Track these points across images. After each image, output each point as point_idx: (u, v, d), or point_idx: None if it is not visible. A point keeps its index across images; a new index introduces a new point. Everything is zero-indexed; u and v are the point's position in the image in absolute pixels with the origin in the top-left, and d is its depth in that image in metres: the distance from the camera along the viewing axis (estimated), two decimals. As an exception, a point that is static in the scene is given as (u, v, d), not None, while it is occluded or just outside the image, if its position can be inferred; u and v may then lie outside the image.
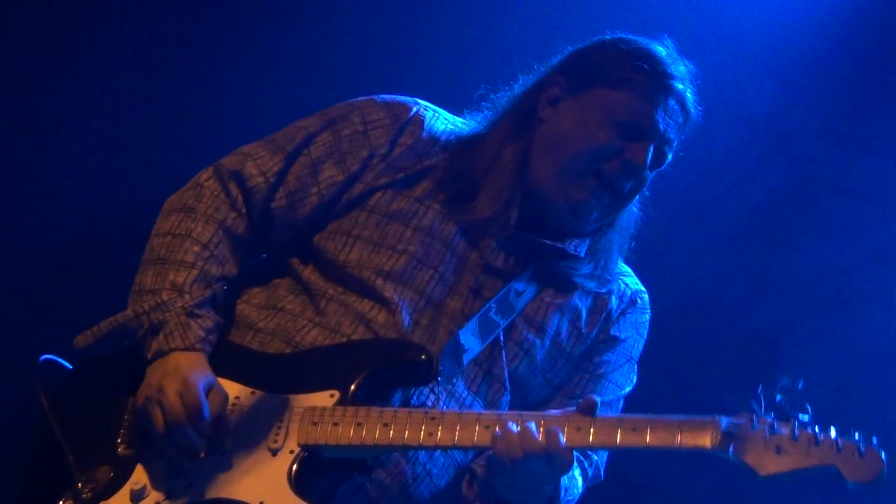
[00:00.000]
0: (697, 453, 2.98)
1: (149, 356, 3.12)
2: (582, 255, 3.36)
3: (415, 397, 3.18)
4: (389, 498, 3.18)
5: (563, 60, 3.41)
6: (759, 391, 2.99)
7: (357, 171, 3.29)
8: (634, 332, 3.53)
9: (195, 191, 3.30)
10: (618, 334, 3.48)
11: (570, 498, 3.30)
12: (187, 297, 3.14)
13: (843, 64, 5.17)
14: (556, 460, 2.96)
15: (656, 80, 3.27)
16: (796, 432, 2.94)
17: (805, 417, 2.97)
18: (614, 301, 3.46)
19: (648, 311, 3.56)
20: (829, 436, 2.93)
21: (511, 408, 3.36)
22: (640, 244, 3.59)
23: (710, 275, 5.34)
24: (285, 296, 3.31)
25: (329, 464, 3.08)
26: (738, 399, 3.02)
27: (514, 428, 2.96)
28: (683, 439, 2.94)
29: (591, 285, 3.41)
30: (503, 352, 3.32)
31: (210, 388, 3.07)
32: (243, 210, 3.28)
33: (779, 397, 2.98)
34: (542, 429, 2.96)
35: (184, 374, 3.04)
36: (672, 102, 3.28)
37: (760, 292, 5.33)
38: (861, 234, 5.24)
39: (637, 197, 3.41)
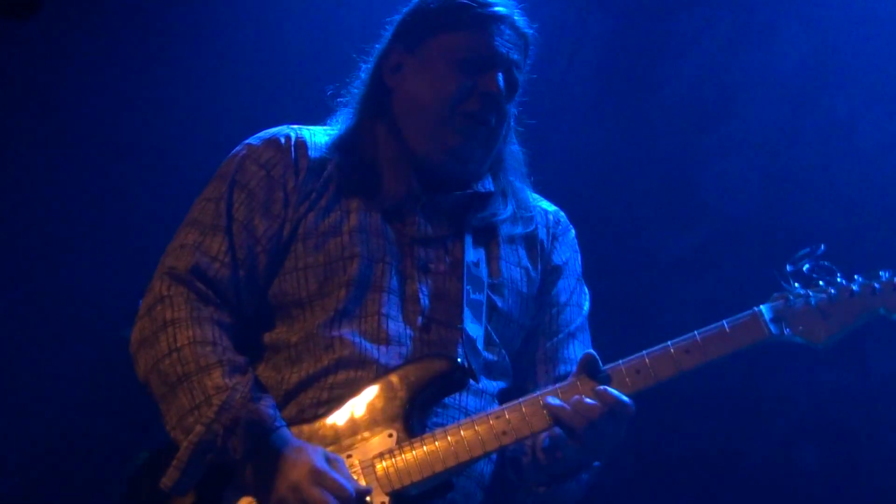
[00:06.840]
0: (755, 347, 3.15)
1: (238, 457, 3.09)
2: (492, 189, 3.48)
3: (451, 398, 3.32)
4: (472, 495, 3.34)
5: (393, 30, 3.51)
6: (786, 269, 3.16)
7: (283, 213, 3.35)
8: (571, 251, 3.65)
9: (163, 304, 3.23)
10: (560, 262, 3.60)
11: None
12: (240, 387, 3.11)
13: None
14: (621, 415, 3.14)
15: (481, 11, 3.39)
16: (833, 292, 3.13)
17: (832, 277, 3.15)
18: (542, 231, 3.59)
19: (571, 226, 3.69)
20: (862, 282, 3.13)
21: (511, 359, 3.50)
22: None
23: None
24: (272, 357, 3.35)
25: (419, 497, 3.18)
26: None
27: (580, 399, 3.14)
28: (738, 340, 3.14)
29: (519, 230, 3.54)
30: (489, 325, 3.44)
31: (327, 458, 3.10)
32: (217, 301, 3.27)
33: (806, 267, 3.16)
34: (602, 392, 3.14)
35: (301, 461, 3.06)
36: (503, 27, 3.40)
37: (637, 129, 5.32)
38: (702, 41, 5.26)
39: (511, 133, 3.57)
